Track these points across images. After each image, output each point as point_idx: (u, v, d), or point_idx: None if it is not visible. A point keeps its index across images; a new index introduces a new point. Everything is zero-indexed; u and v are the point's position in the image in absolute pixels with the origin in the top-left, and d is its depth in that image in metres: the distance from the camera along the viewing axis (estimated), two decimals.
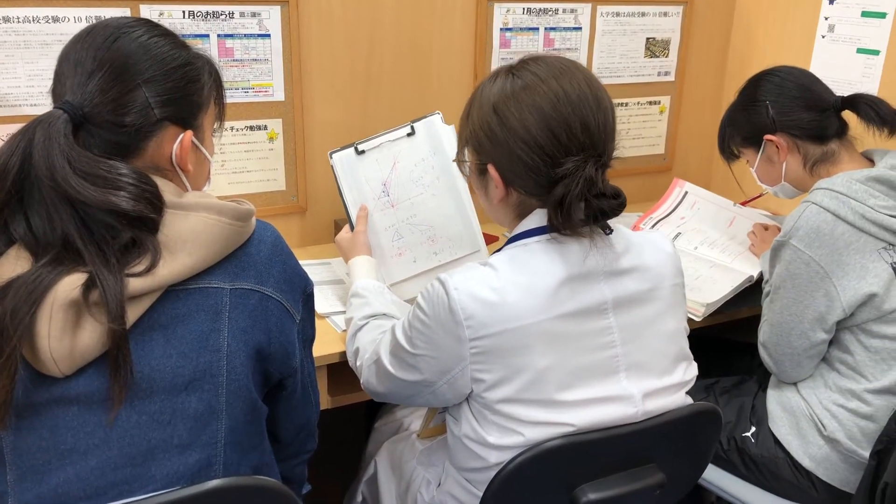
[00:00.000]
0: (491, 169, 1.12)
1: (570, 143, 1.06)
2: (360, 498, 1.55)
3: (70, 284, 0.86)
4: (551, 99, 1.07)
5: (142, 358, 0.90)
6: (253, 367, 0.99)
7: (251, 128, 1.81)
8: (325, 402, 1.49)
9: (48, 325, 0.85)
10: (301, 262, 1.75)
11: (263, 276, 0.99)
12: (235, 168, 1.82)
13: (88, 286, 0.85)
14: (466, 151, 1.18)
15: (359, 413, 1.85)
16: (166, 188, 0.95)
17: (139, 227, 0.90)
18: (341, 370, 1.43)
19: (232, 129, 1.79)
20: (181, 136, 1.00)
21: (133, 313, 0.88)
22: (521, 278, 1.08)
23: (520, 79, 1.10)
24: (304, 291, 1.07)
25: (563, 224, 1.06)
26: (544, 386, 1.08)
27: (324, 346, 1.45)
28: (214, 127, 1.11)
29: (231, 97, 1.75)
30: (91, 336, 0.86)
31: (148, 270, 0.88)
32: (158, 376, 0.91)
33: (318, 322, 1.52)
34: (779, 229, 1.87)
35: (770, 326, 1.55)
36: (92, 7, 1.58)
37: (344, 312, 1.52)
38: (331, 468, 1.81)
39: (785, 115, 1.59)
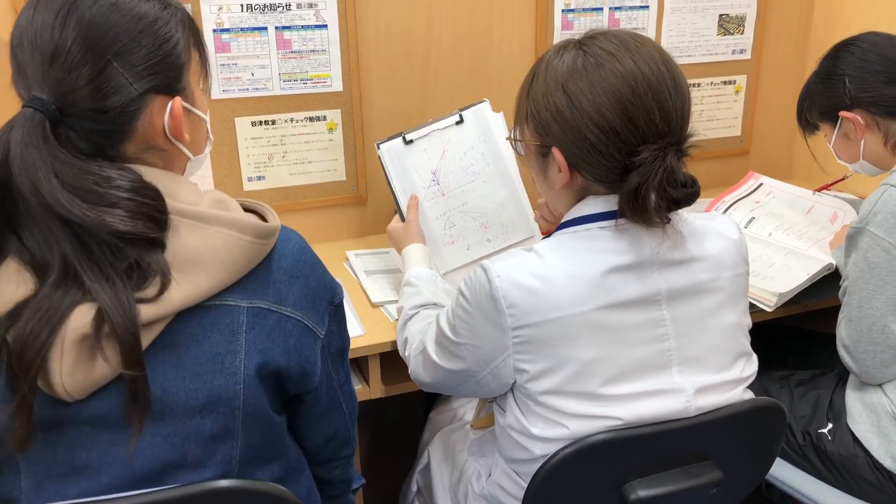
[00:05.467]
0: (556, 152, 1.06)
1: (648, 129, 1.00)
2: (415, 488, 1.54)
3: (80, 319, 0.78)
4: (628, 80, 1.00)
5: (153, 379, 0.84)
6: (270, 388, 0.93)
7: (311, 119, 1.83)
8: (378, 390, 1.50)
9: (60, 362, 0.78)
10: (359, 251, 1.80)
11: (283, 295, 0.91)
12: (297, 159, 1.84)
13: (100, 321, 0.78)
14: (526, 131, 1.12)
15: (419, 402, 1.85)
16: (180, 190, 0.87)
17: (142, 246, 0.80)
18: (394, 359, 1.43)
19: (292, 120, 1.81)
20: (169, 104, 0.88)
21: (145, 339, 0.82)
22: (567, 266, 1.03)
23: (591, 55, 1.03)
24: (330, 303, 0.99)
25: (636, 214, 1.01)
26: (590, 379, 1.04)
27: (377, 335, 1.46)
28: (201, 82, 0.99)
29: (290, 89, 1.78)
30: (104, 367, 0.80)
31: (158, 295, 0.80)
32: (171, 399, 0.85)
33: (371, 311, 1.55)
34: None
35: (849, 322, 1.43)
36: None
37: (396, 301, 1.51)
38: (391, 456, 1.83)
39: (864, 91, 1.47)
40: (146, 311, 0.80)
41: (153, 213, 0.81)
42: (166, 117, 0.88)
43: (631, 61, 1.01)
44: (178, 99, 0.89)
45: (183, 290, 0.82)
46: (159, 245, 0.82)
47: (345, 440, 1.14)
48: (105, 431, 0.84)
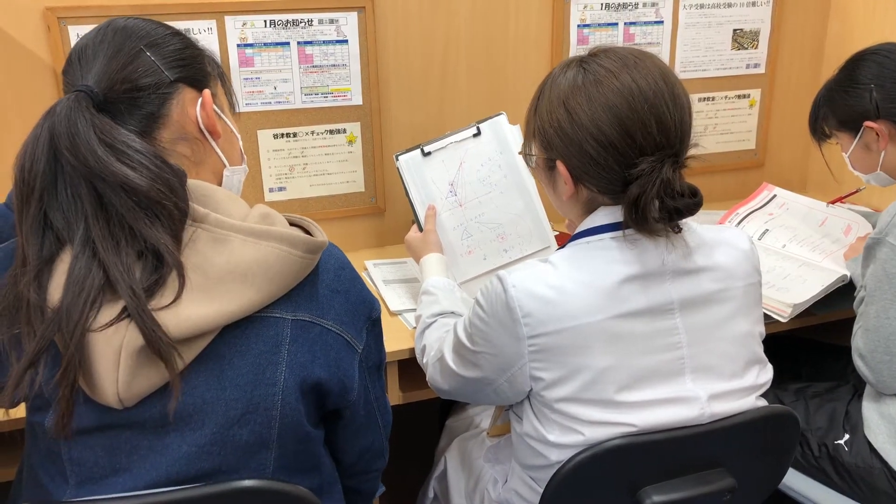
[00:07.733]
0: (560, 166, 1.09)
1: (646, 142, 1.03)
2: (431, 494, 1.56)
3: (134, 338, 0.82)
4: (625, 95, 1.03)
5: (195, 389, 0.86)
6: (309, 401, 0.95)
7: (331, 132, 1.87)
8: (396, 398, 1.52)
9: (116, 372, 0.82)
10: (377, 261, 1.84)
11: (325, 308, 0.94)
12: (317, 171, 1.88)
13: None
14: (534, 146, 1.16)
15: (435, 409, 1.86)
16: (231, 205, 0.89)
17: (155, 220, 0.83)
18: (412, 366, 1.45)
19: (313, 133, 1.85)
20: (200, 98, 0.96)
21: (194, 350, 0.85)
22: (581, 276, 1.06)
23: (590, 73, 1.07)
24: (368, 318, 1.02)
25: (638, 224, 1.04)
26: (604, 386, 1.05)
27: (395, 343, 1.48)
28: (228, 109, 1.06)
29: (311, 102, 1.82)
30: (150, 378, 0.84)
31: (174, 301, 0.82)
32: (211, 409, 0.87)
33: (389, 320, 1.57)
34: None
35: (866, 332, 1.43)
36: (178, 21, 1.67)
37: (415, 310, 1.54)
38: (407, 463, 1.84)
39: (891, 102, 1.48)
40: (193, 323, 0.83)
41: (170, 186, 0.84)
42: (198, 108, 0.95)
43: (628, 77, 1.04)
44: (207, 91, 0.97)
45: (234, 303, 0.85)
46: (174, 218, 0.83)
47: (378, 453, 1.16)
48: (144, 437, 0.87)
